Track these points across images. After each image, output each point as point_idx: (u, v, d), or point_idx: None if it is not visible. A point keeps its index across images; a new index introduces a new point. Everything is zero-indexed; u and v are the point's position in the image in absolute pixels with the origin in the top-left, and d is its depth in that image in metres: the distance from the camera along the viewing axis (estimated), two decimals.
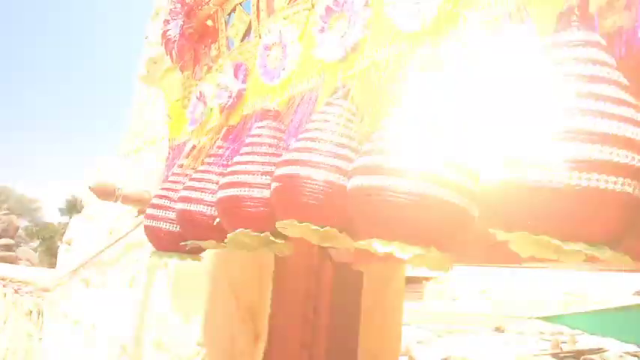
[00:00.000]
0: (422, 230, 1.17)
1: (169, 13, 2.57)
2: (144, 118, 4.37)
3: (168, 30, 2.56)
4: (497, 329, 17.14)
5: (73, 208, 27.11)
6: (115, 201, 3.50)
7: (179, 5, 2.47)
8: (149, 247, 3.97)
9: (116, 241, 4.19)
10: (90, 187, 3.50)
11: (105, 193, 3.45)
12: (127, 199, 3.52)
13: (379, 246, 1.17)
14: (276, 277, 3.28)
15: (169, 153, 2.62)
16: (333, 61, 1.67)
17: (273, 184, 1.56)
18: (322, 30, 1.74)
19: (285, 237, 1.70)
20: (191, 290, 3.49)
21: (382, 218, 1.19)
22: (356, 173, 1.28)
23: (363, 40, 1.61)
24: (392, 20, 1.48)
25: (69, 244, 5.28)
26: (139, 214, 3.77)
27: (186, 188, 2.03)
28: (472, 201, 1.21)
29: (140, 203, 3.59)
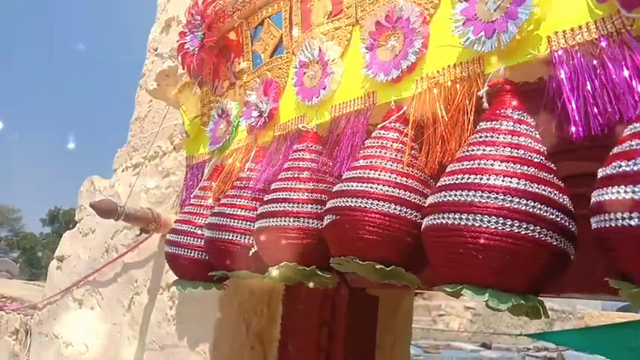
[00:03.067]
0: (519, 275, 1.06)
1: (187, 25, 2.43)
2: (145, 132, 4.20)
3: (185, 43, 2.42)
4: (484, 345, 17.11)
5: (55, 218, 26.45)
6: (117, 219, 3.32)
7: (199, 17, 2.34)
8: (149, 267, 3.81)
9: (113, 260, 3.99)
10: (91, 205, 3.31)
11: (106, 211, 3.27)
12: (129, 218, 3.34)
13: (471, 293, 1.05)
14: (286, 302, 3.13)
15: (187, 173, 2.47)
16: (385, 81, 1.55)
17: (327, 217, 1.43)
18: (371, 47, 1.62)
19: (331, 269, 1.57)
20: (197, 315, 3.31)
21: (474, 261, 1.07)
22: (439, 210, 1.16)
23: (421, 60, 1.50)
24: (458, 39, 1.37)
25: (60, 261, 5.04)
26: (141, 233, 3.59)
27: (215, 214, 1.88)
28: (569, 239, 1.11)
29: (143, 222, 3.42)
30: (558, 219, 1.09)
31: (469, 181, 1.13)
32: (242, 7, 2.18)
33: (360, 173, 1.41)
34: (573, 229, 1.13)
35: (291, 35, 1.99)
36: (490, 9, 1.31)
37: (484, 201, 1.08)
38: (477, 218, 1.08)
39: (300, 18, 1.95)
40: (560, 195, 1.12)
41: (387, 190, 1.34)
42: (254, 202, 1.84)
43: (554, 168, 1.18)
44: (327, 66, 1.75)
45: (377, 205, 1.32)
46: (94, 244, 4.49)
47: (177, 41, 2.48)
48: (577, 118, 1.09)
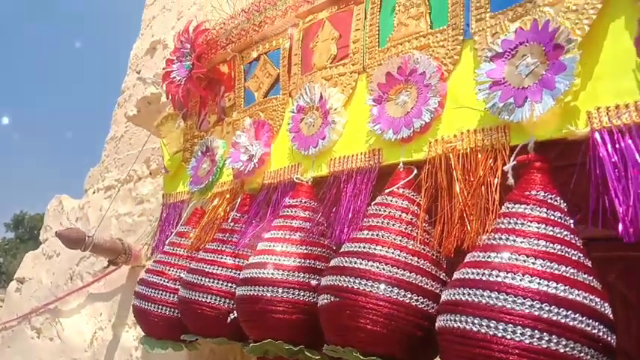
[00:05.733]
0: None
1: (174, 52, 2.25)
2: (120, 153, 3.97)
3: (171, 71, 2.23)
4: None
5: (19, 223, 25.51)
6: (84, 250, 3.08)
7: (188, 46, 2.16)
8: (115, 301, 3.54)
9: (77, 289, 3.71)
10: (57, 234, 3.06)
11: (74, 241, 3.02)
12: (97, 249, 3.10)
13: None
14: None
15: (162, 212, 2.26)
16: (393, 140, 1.39)
17: (324, 297, 1.24)
18: (379, 100, 1.46)
19: (320, 347, 1.38)
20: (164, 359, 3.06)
21: None
22: (461, 311, 0.98)
23: (437, 120, 1.34)
24: (481, 103, 1.22)
25: (21, 283, 4.71)
26: (109, 265, 3.34)
27: (192, 271, 1.67)
28: (609, 355, 0.94)
29: (112, 253, 3.18)
30: (600, 333, 0.93)
31: (497, 279, 0.96)
32: (237, 39, 2.01)
33: (363, 247, 1.23)
34: (613, 343, 0.96)
35: (289, 76, 1.82)
36: (522, 73, 1.16)
37: (517, 308, 0.92)
38: (509, 329, 0.91)
39: (301, 58, 1.78)
40: (602, 303, 0.96)
41: (396, 272, 1.16)
42: (237, 260, 1.65)
43: (591, 265, 1.02)
44: (329, 114, 1.58)
45: (383, 289, 1.14)
46: (58, 268, 4.19)
47: (163, 68, 2.29)
48: (626, 217, 0.94)
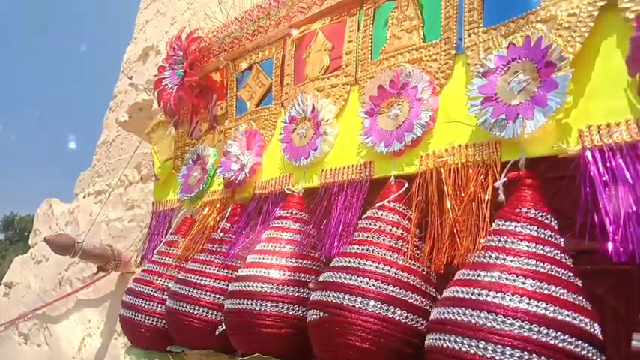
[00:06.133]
0: None
1: (167, 59, 2.23)
2: (111, 158, 3.94)
3: (163, 78, 2.22)
4: None
5: (9, 225, 25.25)
6: (73, 256, 3.04)
7: (181, 53, 2.14)
8: (105, 308, 3.50)
9: (66, 295, 3.67)
10: (46, 240, 3.03)
11: (63, 247, 2.99)
12: (87, 255, 3.06)
13: None
14: None
15: (152, 220, 2.23)
16: (385, 153, 1.38)
17: (313, 312, 1.23)
18: (371, 113, 1.45)
19: None
20: None
21: None
22: (449, 330, 0.97)
23: (428, 134, 1.34)
24: (473, 118, 1.21)
25: (9, 287, 4.65)
26: (98, 271, 3.30)
27: (180, 282, 1.65)
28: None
29: (101, 260, 3.14)
30: (589, 354, 0.92)
31: (487, 299, 0.95)
32: (229, 47, 2.00)
33: (353, 262, 1.22)
34: None
35: (281, 86, 1.81)
36: (514, 90, 1.15)
37: (506, 329, 0.91)
38: (498, 350, 0.90)
39: (293, 68, 1.77)
40: (591, 324, 0.95)
41: (386, 289, 1.15)
42: (226, 271, 1.63)
43: (581, 285, 1.02)
44: (320, 126, 1.58)
45: (372, 306, 1.13)
46: (47, 273, 4.15)
47: (155, 75, 2.28)
48: (616, 237, 0.93)
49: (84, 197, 4.07)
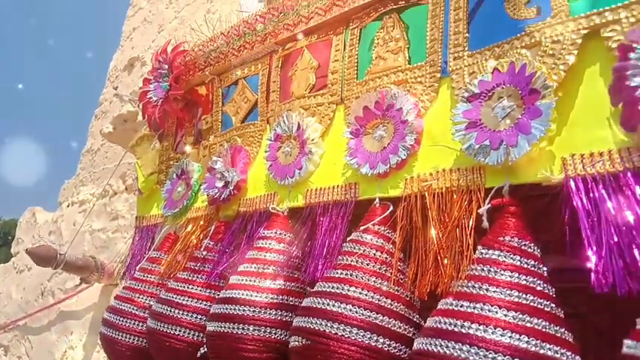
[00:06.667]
0: None
1: (152, 72, 2.21)
2: (96, 167, 3.89)
3: (148, 91, 2.19)
4: None
5: None
6: (56, 268, 2.99)
7: (166, 67, 2.12)
8: (87, 320, 3.45)
9: (48, 306, 3.61)
10: (27, 251, 2.98)
11: (44, 259, 2.94)
12: (69, 267, 3.02)
13: None
14: None
15: (135, 235, 2.20)
16: (369, 175, 1.37)
17: (295, 338, 1.21)
18: (356, 133, 1.44)
19: None
20: None
21: None
22: None
23: (413, 157, 1.33)
24: (458, 143, 1.21)
25: None
26: (81, 282, 3.26)
27: (161, 301, 1.63)
28: None
29: (84, 271, 3.10)
30: None
31: (469, 331, 0.94)
32: (216, 62, 1.99)
33: (336, 288, 1.20)
34: None
35: (267, 102, 1.80)
36: (498, 116, 1.15)
37: None
38: None
39: (280, 85, 1.76)
40: (573, 357, 0.95)
41: (369, 316, 1.14)
42: (209, 291, 1.61)
43: (563, 316, 1.01)
44: (306, 144, 1.56)
45: (355, 333, 1.12)
46: (29, 283, 4.08)
47: (140, 88, 2.25)
48: (598, 268, 0.93)
49: (67, 206, 4.01)
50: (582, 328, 1.46)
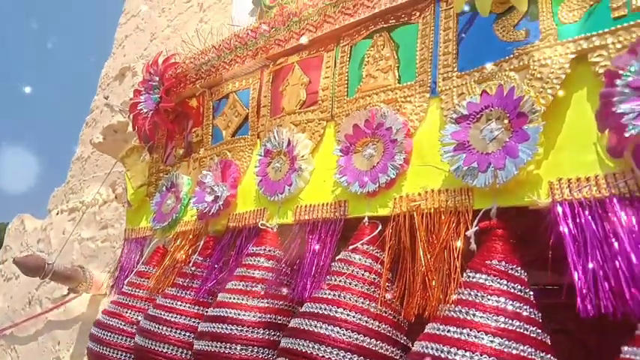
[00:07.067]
0: None
1: (143, 83, 2.20)
2: (86, 174, 3.87)
3: (139, 102, 2.18)
4: None
5: None
6: (43, 277, 2.97)
7: (157, 78, 2.12)
8: (75, 330, 3.41)
9: (36, 316, 3.58)
10: (15, 261, 2.95)
11: (32, 269, 2.91)
12: (58, 277, 2.99)
13: None
14: None
15: (124, 247, 2.19)
16: (359, 193, 1.37)
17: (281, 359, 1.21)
18: (346, 151, 1.44)
19: None
20: None
21: None
22: None
23: (402, 177, 1.33)
24: (446, 165, 1.21)
25: None
26: (69, 292, 3.23)
27: (149, 318, 1.61)
28: None
29: (73, 282, 3.07)
30: None
31: (455, 357, 0.94)
32: (206, 75, 1.99)
33: (324, 309, 1.20)
34: None
35: (258, 117, 1.80)
36: (486, 138, 1.16)
37: None
38: None
39: (270, 100, 1.76)
40: None
41: (356, 338, 1.13)
42: (197, 308, 1.60)
43: (549, 341, 1.01)
44: (296, 161, 1.56)
45: (342, 356, 1.12)
46: (17, 292, 4.04)
47: (131, 99, 2.24)
48: (584, 292, 0.93)
49: (57, 214, 3.98)
50: (570, 345, 1.46)
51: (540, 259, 1.13)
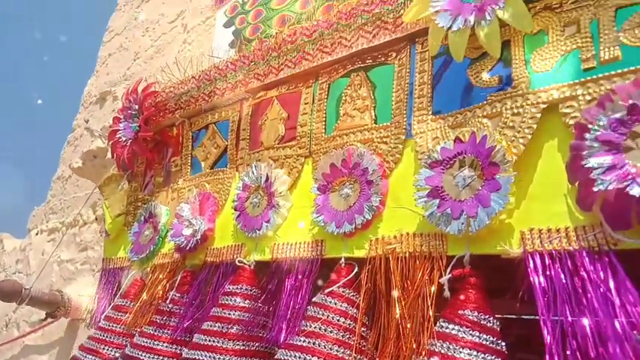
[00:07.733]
0: None
1: (122, 111, 2.19)
2: (66, 194, 3.82)
3: (118, 130, 2.17)
4: None
5: None
6: (20, 303, 2.91)
7: (136, 107, 2.10)
8: (53, 355, 3.35)
9: (13, 340, 3.50)
10: None
11: (8, 294, 2.85)
12: (35, 302, 2.93)
13: None
14: None
15: (102, 278, 2.16)
16: (336, 233, 1.37)
17: None
18: (324, 190, 1.44)
19: None
20: None
21: None
22: None
23: (378, 218, 1.33)
24: (421, 209, 1.22)
25: None
26: (47, 317, 3.17)
27: (126, 357, 1.59)
28: None
29: (51, 306, 3.02)
30: None
31: None
32: (186, 105, 1.98)
33: (299, 358, 1.19)
34: None
35: (237, 149, 1.79)
36: (459, 185, 1.16)
37: None
38: None
39: (249, 133, 1.76)
40: None
41: None
42: (175, 347, 1.58)
43: None
44: (274, 197, 1.56)
45: None
46: None
47: (110, 126, 2.23)
48: (553, 349, 0.94)
49: (36, 234, 3.92)
50: None
51: (510, 290, 1.14)
